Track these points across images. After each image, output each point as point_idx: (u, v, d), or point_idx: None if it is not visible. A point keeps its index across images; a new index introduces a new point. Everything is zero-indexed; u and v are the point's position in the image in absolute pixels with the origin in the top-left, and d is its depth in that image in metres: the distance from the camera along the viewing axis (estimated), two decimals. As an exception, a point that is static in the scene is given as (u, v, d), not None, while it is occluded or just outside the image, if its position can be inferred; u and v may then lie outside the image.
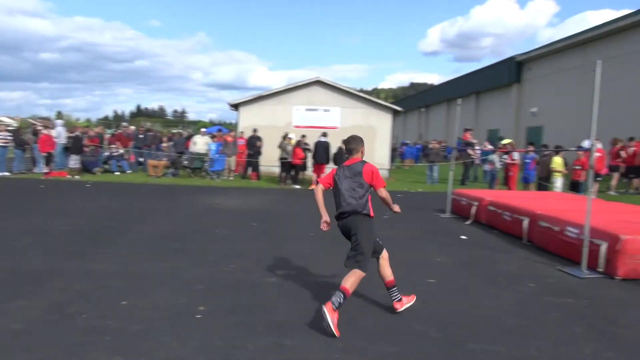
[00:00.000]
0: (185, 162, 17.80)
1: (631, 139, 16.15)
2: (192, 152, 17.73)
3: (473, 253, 6.93)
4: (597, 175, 13.85)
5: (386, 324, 4.13)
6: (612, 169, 15.56)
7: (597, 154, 13.77)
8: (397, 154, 29.89)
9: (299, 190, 15.18)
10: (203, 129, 21.46)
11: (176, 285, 5.00)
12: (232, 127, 50.51)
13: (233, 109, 20.35)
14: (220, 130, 22.73)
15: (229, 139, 17.85)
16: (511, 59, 31.49)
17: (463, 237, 8.08)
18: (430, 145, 21.22)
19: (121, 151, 18.40)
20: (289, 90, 19.85)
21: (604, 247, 5.78)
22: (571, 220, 6.64)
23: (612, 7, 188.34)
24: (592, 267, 5.89)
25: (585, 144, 16.07)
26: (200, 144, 17.87)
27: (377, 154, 19.83)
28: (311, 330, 3.94)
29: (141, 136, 19.05)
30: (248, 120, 19.60)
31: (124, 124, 25.93)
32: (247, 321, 4.10)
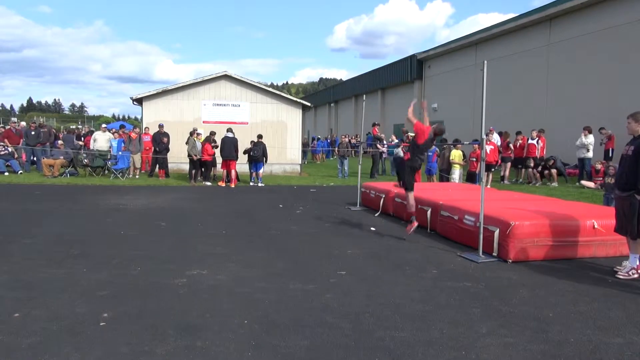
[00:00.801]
0: (85, 161, 16.67)
1: (518, 132, 17.62)
2: (93, 150, 16.66)
3: (381, 244, 7.19)
4: (491, 166, 15.01)
5: (298, 318, 4.16)
6: (504, 160, 16.88)
7: (490, 147, 14.94)
8: (308, 148, 30.25)
9: (210, 187, 14.83)
10: (104, 125, 20.23)
11: (76, 293, 4.67)
12: (137, 122, 48.07)
13: (136, 103, 19.38)
14: (123, 126, 21.55)
15: (133, 135, 16.98)
16: (413, 57, 32.98)
17: (372, 228, 8.35)
18: (340, 140, 21.65)
19: (10, 149, 16.82)
20: (197, 84, 19.29)
21: (497, 233, 6.26)
22: (468, 209, 7.11)
23: (500, 10, 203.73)
24: (487, 251, 6.35)
25: (494, 137, 17.34)
26: (102, 140, 16.85)
27: (289, 149, 19.91)
28: (223, 331, 3.87)
29: (33, 133, 17.54)
30: (153, 116, 18.78)
31: (13, 119, 23.74)
32: (156, 325, 3.94)
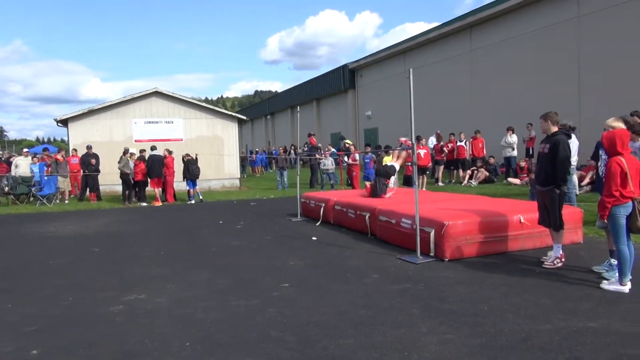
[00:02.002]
0: (7, 189, 15.64)
1: (452, 134, 18.39)
2: (15, 176, 15.66)
3: (323, 252, 7.24)
4: (425, 169, 15.55)
5: (242, 335, 4.09)
6: (437, 162, 17.54)
7: (424, 151, 15.49)
8: (247, 162, 30.02)
9: (145, 207, 14.34)
10: (26, 149, 19.10)
11: (1, 331, 4.35)
12: (64, 145, 45.74)
13: (62, 125, 18.46)
14: (47, 149, 20.43)
15: (59, 158, 16.14)
16: (345, 66, 33.62)
17: (314, 238, 8.39)
18: (278, 152, 21.64)
19: None
20: (127, 102, 18.67)
21: (432, 234, 6.47)
22: (404, 213, 7.31)
23: (425, 20, 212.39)
24: (425, 252, 6.54)
25: (430, 141, 17.95)
26: (24, 166, 15.89)
27: (227, 164, 19.66)
28: (164, 356, 3.73)
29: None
30: (80, 137, 17.96)
31: None
32: (91, 356, 3.74)
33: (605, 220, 5.01)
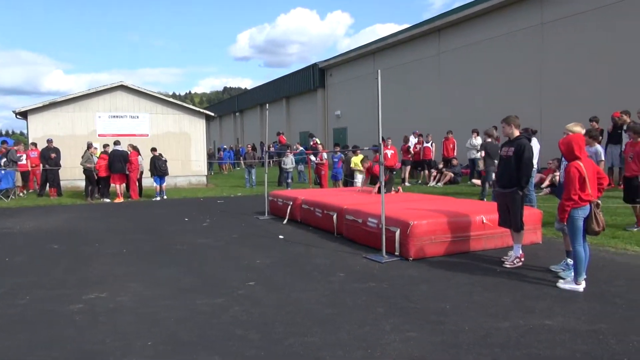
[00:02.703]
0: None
1: (419, 135, 18.67)
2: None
3: (290, 251, 7.24)
4: (392, 169, 15.71)
5: (206, 334, 4.06)
6: (404, 163, 17.79)
7: (391, 151, 15.67)
8: (215, 159, 29.71)
9: (109, 204, 14.02)
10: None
11: (-48, 331, 4.18)
12: (23, 138, 44.27)
13: (21, 117, 17.83)
14: (5, 142, 19.68)
15: (19, 151, 15.58)
16: (315, 65, 33.66)
17: (281, 236, 8.38)
18: (246, 149, 21.52)
19: None
20: (90, 95, 18.18)
21: (398, 233, 6.57)
22: (371, 212, 7.39)
23: (396, 21, 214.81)
24: (390, 251, 6.63)
25: (411, 141, 18.11)
26: (-20, 159, 15.27)
27: (193, 158, 19.40)
28: (126, 355, 3.66)
29: None
30: (41, 130, 17.40)
31: None
32: (49, 357, 3.63)
33: (564, 223, 5.19)
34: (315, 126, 33.40)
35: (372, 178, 10.86)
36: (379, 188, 11.08)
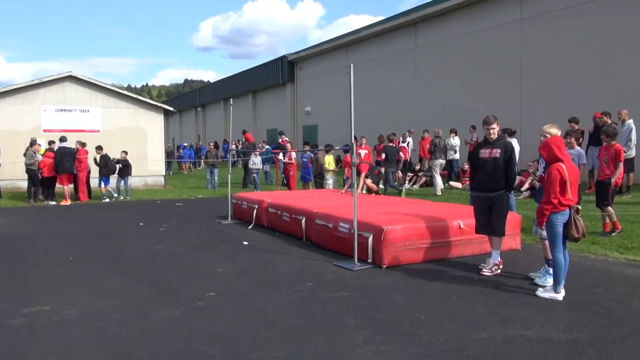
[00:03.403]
0: None
1: (393, 134, 18.84)
2: None
3: (255, 258, 7.21)
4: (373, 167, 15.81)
5: (161, 349, 4.00)
6: (378, 164, 17.92)
7: (365, 151, 15.77)
8: (174, 157, 29.35)
9: (55, 206, 13.65)
10: None
11: None
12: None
13: (-45, 110, 17.19)
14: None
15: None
16: (284, 58, 33.64)
17: (245, 242, 8.34)
18: (208, 148, 21.34)
19: None
20: (35, 86, 17.67)
21: (370, 239, 6.62)
22: (342, 217, 7.42)
23: (370, 12, 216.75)
24: (363, 258, 6.68)
25: (409, 140, 18.19)
26: None
27: (150, 157, 19.09)
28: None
29: None
30: (-22, 124, 16.81)
31: None
32: (-17, 378, 3.53)
33: (542, 227, 5.33)
34: (284, 123, 33.37)
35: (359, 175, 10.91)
36: (367, 188, 11.74)
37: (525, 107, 17.71)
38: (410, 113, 22.57)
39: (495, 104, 17.28)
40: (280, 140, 20.93)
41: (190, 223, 10.55)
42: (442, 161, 15.40)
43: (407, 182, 17.10)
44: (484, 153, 6.24)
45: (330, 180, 13.95)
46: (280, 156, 17.54)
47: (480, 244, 7.11)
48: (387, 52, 24.46)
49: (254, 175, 17.35)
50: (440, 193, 14.23)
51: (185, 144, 36.85)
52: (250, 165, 17.51)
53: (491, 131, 6.21)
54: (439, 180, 14.73)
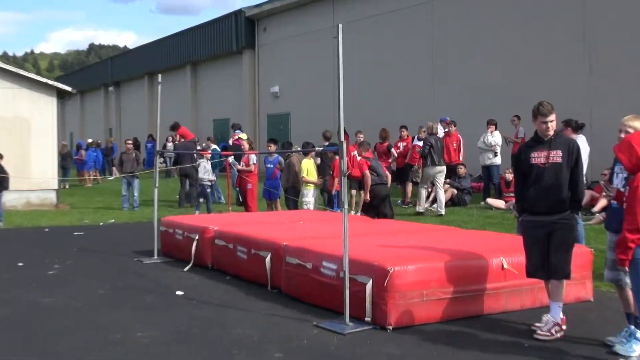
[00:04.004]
0: None
1: (403, 127, 18.91)
2: None
3: (195, 317, 7.15)
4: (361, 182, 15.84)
5: None
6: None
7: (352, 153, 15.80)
8: (71, 162, 29.05)
9: None
10: None
11: None
12: None
13: None
14: None
15: None
16: (240, 13, 33.68)
17: (179, 292, 8.29)
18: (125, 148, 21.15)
19: None
20: None
21: (369, 287, 6.57)
22: (326, 252, 7.37)
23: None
24: (358, 316, 6.62)
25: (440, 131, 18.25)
26: None
27: (35, 162, 18.87)
28: None
29: None
30: None
31: None
32: None
33: (625, 268, 5.32)
34: (239, 111, 33.37)
35: (358, 183, 10.96)
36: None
37: (597, 89, 17.92)
38: (424, 96, 22.72)
39: (553, 84, 17.49)
40: (233, 138, 20.86)
41: (97, 262, 10.48)
42: (439, 169, 15.76)
43: (423, 199, 17.17)
44: (538, 157, 6.24)
45: (309, 197, 13.94)
46: (232, 159, 17.44)
47: (532, 294, 7.13)
48: (390, 6, 24.57)
49: (206, 189, 17.22)
50: (442, 213, 14.77)
51: (90, 142, 36.50)
52: (201, 175, 17.36)
53: (548, 125, 6.21)
54: (441, 195, 15.44)
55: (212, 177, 17.49)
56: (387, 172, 14.30)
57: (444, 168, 15.88)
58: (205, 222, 10.60)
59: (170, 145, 28.54)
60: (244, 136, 18.46)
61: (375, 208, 12.41)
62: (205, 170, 17.30)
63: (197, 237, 9.91)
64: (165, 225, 10.99)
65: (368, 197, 12.40)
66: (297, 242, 8.12)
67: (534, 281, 6.74)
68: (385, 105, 23.85)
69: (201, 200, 17.02)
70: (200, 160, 17.43)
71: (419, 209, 15.63)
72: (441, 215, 14.93)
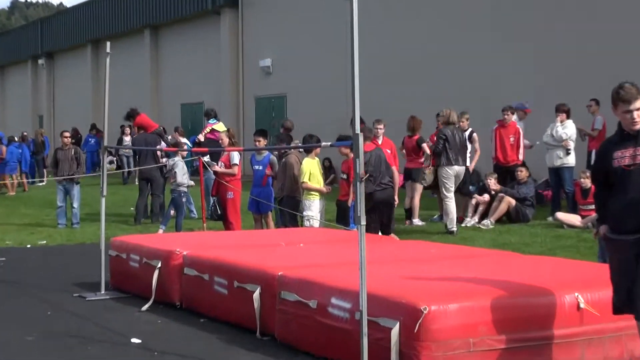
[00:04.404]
0: None
1: (439, 114, 18.94)
2: None
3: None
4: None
5: None
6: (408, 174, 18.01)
7: (387, 150, 15.82)
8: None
9: None
10: None
11: None
12: None
13: None
14: None
15: None
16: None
17: (135, 340, 8.31)
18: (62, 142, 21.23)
19: None
20: None
21: (395, 332, 6.56)
22: (336, 286, 7.36)
23: None
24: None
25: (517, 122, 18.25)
26: None
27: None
28: None
29: None
30: None
31: None
32: None
33: None
34: (216, 92, 33.41)
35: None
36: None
37: None
38: (480, 71, 22.75)
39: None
40: (205, 130, 20.88)
41: (21, 300, 10.52)
42: (457, 169, 15.93)
43: (471, 211, 17.19)
44: (621, 157, 6.23)
45: (312, 209, 13.93)
46: (207, 158, 17.46)
47: (619, 342, 7.11)
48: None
49: (182, 198, 17.28)
50: (455, 229, 14.89)
51: (15, 138, 36.62)
52: (179, 178, 17.40)
53: (633, 115, 6.19)
54: (452, 206, 15.62)
55: (191, 182, 17.54)
56: (396, 171, 14.36)
57: (463, 169, 15.97)
58: (171, 244, 10.55)
59: (128, 140, 28.61)
60: (220, 127, 18.52)
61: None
62: (183, 172, 17.36)
63: (159, 265, 9.90)
64: (117, 249, 11.00)
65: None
66: (296, 272, 8.11)
67: (622, 325, 6.73)
68: (416, 83, 23.87)
69: (172, 212, 17.05)
70: (176, 158, 17.46)
71: (450, 226, 15.71)
72: (452, 232, 15.21)
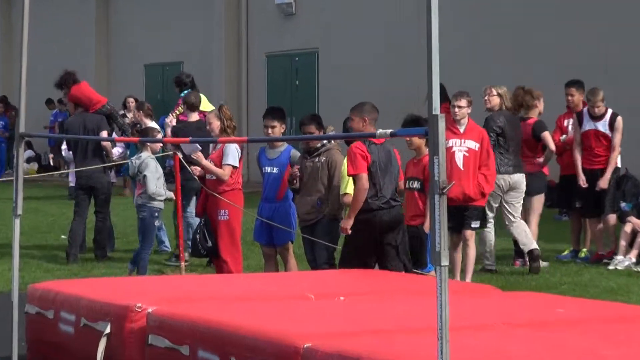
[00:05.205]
0: None
1: (573, 85, 19.01)
2: None
3: None
4: (472, 209, 15.77)
5: None
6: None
7: (475, 143, 15.75)
8: None
9: None
10: None
11: None
12: None
13: None
14: None
15: None
16: None
17: None
18: None
19: None
20: None
21: None
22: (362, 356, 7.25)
23: None
24: None
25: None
26: None
27: None
28: None
29: None
30: None
31: None
32: None
33: None
34: (204, 46, 33.73)
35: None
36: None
37: None
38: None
39: None
40: (177, 107, 21.12)
41: None
42: (517, 178, 16.45)
43: (622, 245, 17.13)
44: None
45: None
46: (180, 154, 17.52)
47: None
48: None
49: (154, 217, 17.36)
50: (493, 265, 15.80)
51: None
52: (151, 188, 17.48)
53: None
54: (519, 230, 16.54)
55: (170, 193, 17.53)
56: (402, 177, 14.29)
57: (523, 177, 15.95)
58: (129, 294, 10.52)
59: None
60: (205, 104, 18.59)
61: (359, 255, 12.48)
62: (157, 176, 17.34)
63: (107, 330, 9.84)
64: (38, 303, 10.96)
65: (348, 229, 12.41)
66: (334, 344, 8.00)
67: None
68: (527, 41, 23.98)
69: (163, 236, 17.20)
70: (143, 154, 17.46)
71: (488, 264, 16.30)
72: (536, 271, 15.58)
